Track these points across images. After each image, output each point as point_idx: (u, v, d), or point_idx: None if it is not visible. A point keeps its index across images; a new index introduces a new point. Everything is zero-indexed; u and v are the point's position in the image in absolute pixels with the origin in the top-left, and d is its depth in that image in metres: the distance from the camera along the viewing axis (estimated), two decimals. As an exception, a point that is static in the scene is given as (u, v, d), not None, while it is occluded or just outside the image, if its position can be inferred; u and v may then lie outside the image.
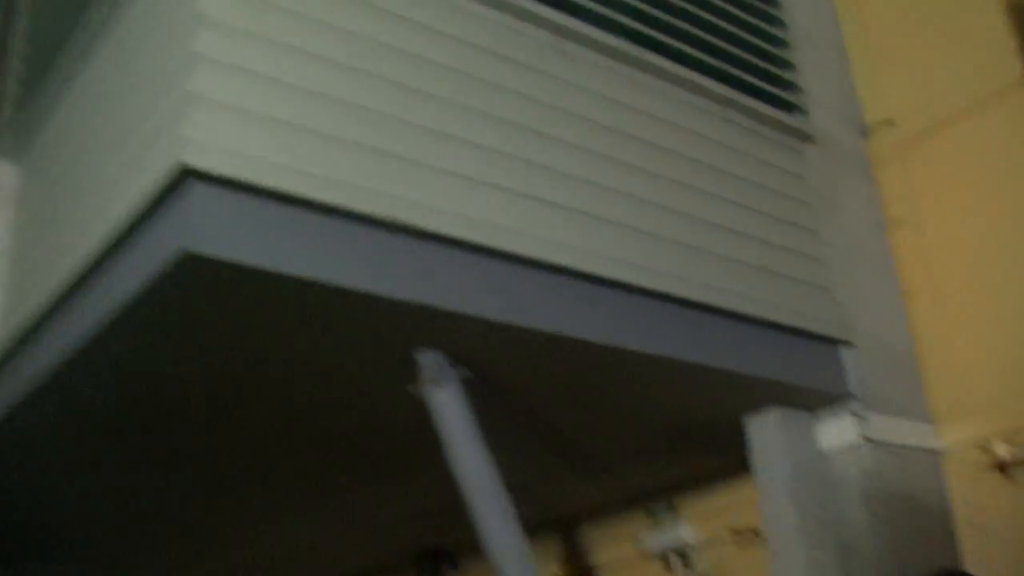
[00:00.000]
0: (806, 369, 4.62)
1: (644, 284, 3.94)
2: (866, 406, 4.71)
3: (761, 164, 4.76)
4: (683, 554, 6.06)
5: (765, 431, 4.70)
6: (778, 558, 4.54)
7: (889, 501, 4.55)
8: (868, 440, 4.63)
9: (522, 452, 5.10)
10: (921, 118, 5.35)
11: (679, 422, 4.95)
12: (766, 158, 4.80)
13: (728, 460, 4.88)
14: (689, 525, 6.03)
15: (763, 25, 5.10)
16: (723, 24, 4.85)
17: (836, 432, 4.73)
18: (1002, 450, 4.66)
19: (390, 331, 3.47)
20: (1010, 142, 5.00)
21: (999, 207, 4.99)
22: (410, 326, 3.45)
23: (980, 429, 4.80)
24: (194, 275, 2.50)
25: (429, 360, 3.78)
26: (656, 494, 6.30)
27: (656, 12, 4.55)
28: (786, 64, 5.15)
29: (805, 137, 5.06)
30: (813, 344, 4.67)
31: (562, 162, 3.86)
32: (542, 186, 3.72)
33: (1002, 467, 4.71)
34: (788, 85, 5.10)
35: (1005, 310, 4.89)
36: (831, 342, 4.72)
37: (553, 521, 6.86)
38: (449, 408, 3.79)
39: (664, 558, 6.17)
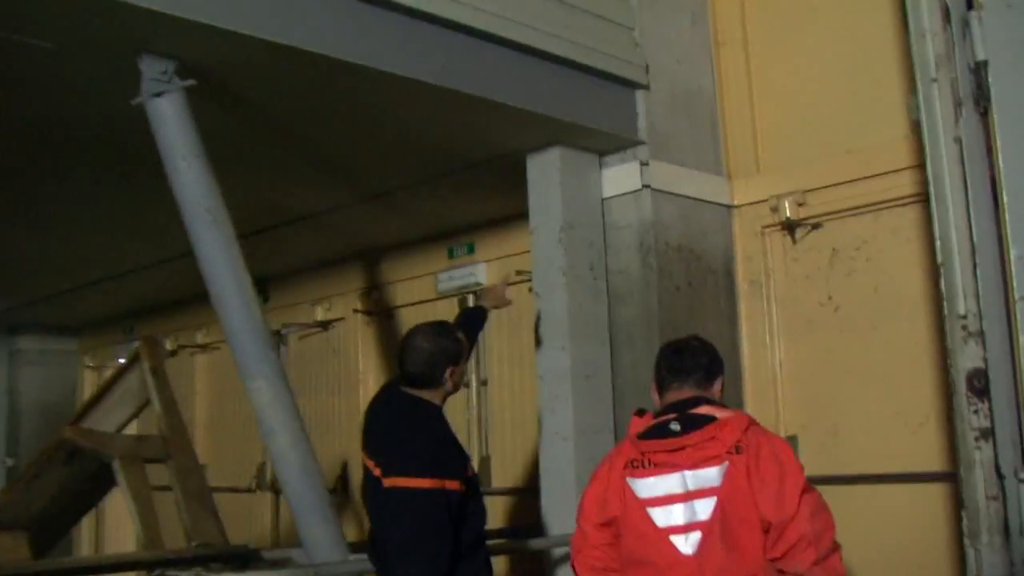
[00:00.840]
0: (595, 110, 4.27)
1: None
2: (655, 153, 4.42)
3: None
4: (477, 294, 5.88)
5: (543, 171, 4.40)
6: (542, 301, 4.33)
7: (667, 253, 4.35)
8: (652, 188, 4.35)
9: (284, 173, 4.72)
10: None
11: (461, 156, 4.61)
12: None
13: (523, 203, 4.56)
14: (485, 266, 5.81)
15: None
16: None
17: (620, 178, 4.47)
18: (790, 210, 4.44)
19: (116, 36, 3.15)
20: None
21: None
22: (137, 31, 3.12)
23: (772, 188, 4.55)
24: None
25: (151, 67, 3.31)
26: (456, 235, 6.03)
27: None
28: None
29: None
30: (605, 84, 4.31)
31: None
32: None
33: (789, 226, 4.52)
34: None
35: (812, 73, 4.58)
36: (625, 84, 4.36)
37: (358, 255, 6.58)
38: (169, 117, 3.35)
39: (460, 298, 5.98)
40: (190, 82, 3.38)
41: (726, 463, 2.55)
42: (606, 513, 2.68)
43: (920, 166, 4.01)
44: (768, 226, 4.63)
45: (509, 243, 5.67)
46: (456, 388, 3.21)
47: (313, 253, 6.63)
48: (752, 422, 2.67)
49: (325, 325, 6.97)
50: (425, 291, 6.23)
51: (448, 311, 6.04)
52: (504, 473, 5.71)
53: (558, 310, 4.26)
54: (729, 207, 4.74)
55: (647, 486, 2.62)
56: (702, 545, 2.51)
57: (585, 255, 4.36)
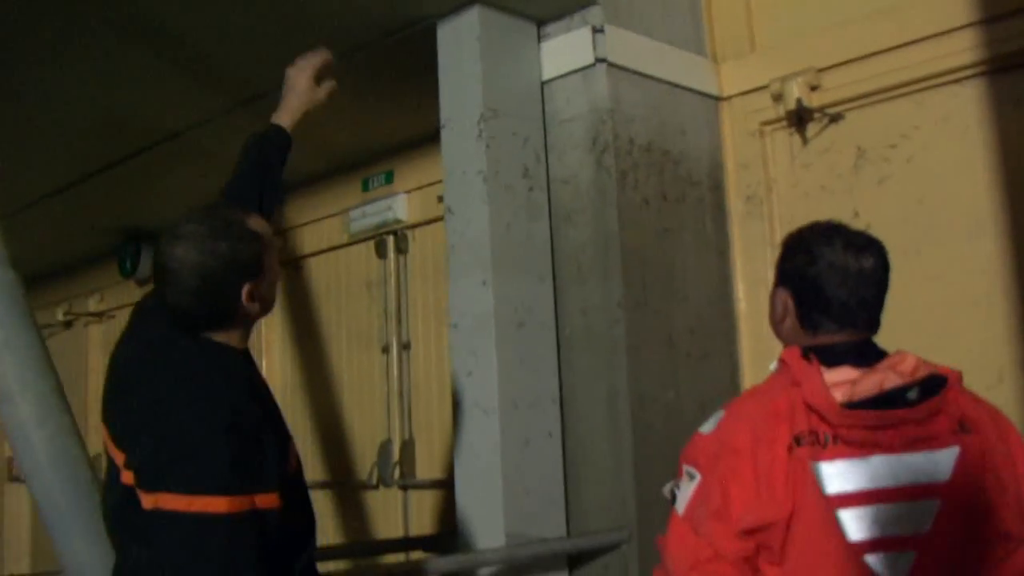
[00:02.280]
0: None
1: None
2: (613, 17, 3.20)
3: None
4: (396, 233, 4.65)
5: (456, 41, 3.18)
6: (454, 219, 3.10)
7: (632, 153, 3.16)
8: (609, 64, 3.13)
9: (135, 73, 3.50)
10: None
11: (358, 31, 3.36)
12: None
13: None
14: (405, 197, 4.57)
15: None
16: None
17: (565, 52, 3.26)
18: (799, 96, 3.21)
19: None
20: None
21: None
22: None
23: (773, 70, 3.35)
24: None
25: None
26: (372, 163, 4.79)
27: None
28: None
29: None
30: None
31: None
32: None
33: (798, 120, 3.30)
34: None
35: None
36: (570, -88, 3.11)
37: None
38: None
39: (377, 240, 4.74)
40: None
41: (956, 447, 1.66)
42: (763, 514, 1.63)
43: (986, 21, 2.83)
44: (769, 122, 3.43)
45: (436, 168, 4.41)
46: (265, 309, 1.96)
47: (196, 194, 5.34)
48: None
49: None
50: (335, 234, 4.98)
51: (364, 258, 4.81)
52: (431, 461, 4.48)
53: (476, 230, 3.05)
54: (716, 98, 3.54)
55: (837, 475, 1.64)
56: (915, 573, 1.62)
57: (516, 156, 3.14)
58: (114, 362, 1.95)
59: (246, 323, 1.92)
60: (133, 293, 6.34)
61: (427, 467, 4.51)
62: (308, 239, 5.19)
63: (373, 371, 4.80)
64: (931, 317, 2.99)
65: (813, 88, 3.27)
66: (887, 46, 3.12)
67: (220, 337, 1.88)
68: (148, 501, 1.71)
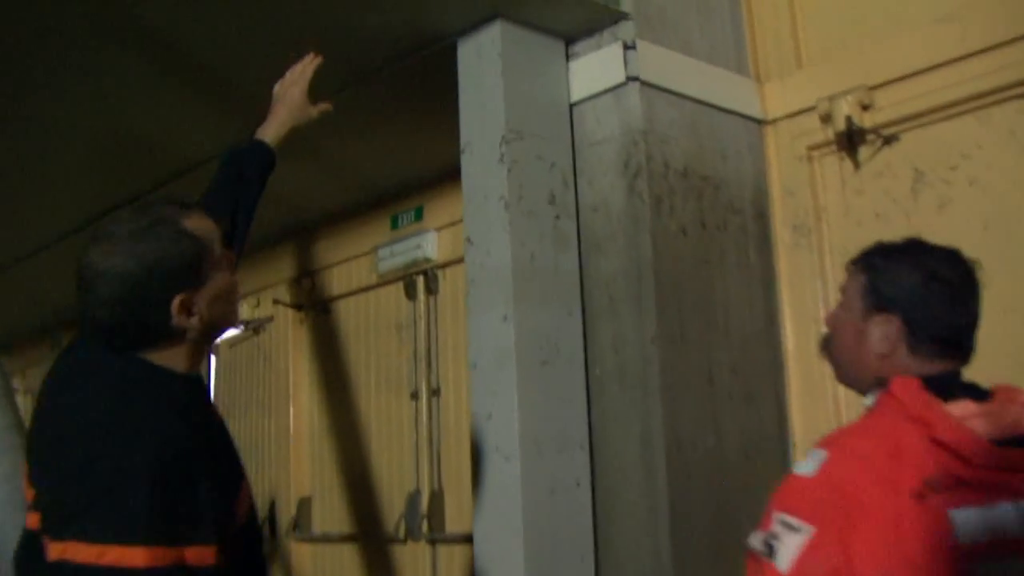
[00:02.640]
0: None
1: None
2: (646, 32, 2.99)
3: None
4: (426, 273, 4.44)
5: (478, 58, 2.99)
6: (474, 250, 2.88)
7: (667, 177, 2.95)
8: (642, 82, 2.90)
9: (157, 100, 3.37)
10: None
11: (381, 49, 3.19)
12: None
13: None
14: (435, 235, 4.37)
15: None
16: None
17: (594, 70, 3.05)
18: (850, 116, 2.96)
19: None
20: None
21: None
22: None
23: (821, 88, 3.09)
24: None
25: None
26: (401, 198, 4.61)
27: None
28: None
29: None
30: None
31: None
32: None
33: (848, 142, 3.04)
34: None
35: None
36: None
37: (286, 232, 5.15)
38: None
39: (406, 281, 4.54)
40: None
41: None
42: (893, 572, 1.39)
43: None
44: (817, 145, 3.17)
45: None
46: (214, 327, 1.71)
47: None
48: None
49: (251, 324, 5.53)
50: (364, 274, 4.78)
51: (394, 299, 4.61)
52: (461, 514, 4.22)
53: (497, 261, 2.83)
54: (760, 122, 3.29)
55: (969, 523, 1.45)
56: None
57: (541, 181, 2.92)
58: (42, 385, 1.72)
59: (193, 342, 1.66)
60: None
61: (456, 520, 4.24)
62: (337, 280, 5.00)
63: (402, 418, 4.58)
64: (1006, 353, 2.68)
65: (865, 107, 3.01)
66: (946, 58, 2.87)
67: (158, 358, 1.64)
68: (54, 551, 1.45)
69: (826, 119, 3.09)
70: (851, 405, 2.99)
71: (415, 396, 4.48)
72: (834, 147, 3.14)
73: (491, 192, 2.87)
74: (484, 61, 2.95)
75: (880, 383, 1.63)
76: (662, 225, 2.89)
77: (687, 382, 2.84)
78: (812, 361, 3.08)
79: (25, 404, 8.20)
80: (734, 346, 2.99)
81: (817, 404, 3.05)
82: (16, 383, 8.08)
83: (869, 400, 1.60)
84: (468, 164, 2.97)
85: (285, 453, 5.14)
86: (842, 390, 3.02)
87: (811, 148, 3.19)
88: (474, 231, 2.92)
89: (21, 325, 7.58)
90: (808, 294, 3.12)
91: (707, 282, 2.97)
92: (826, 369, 2.96)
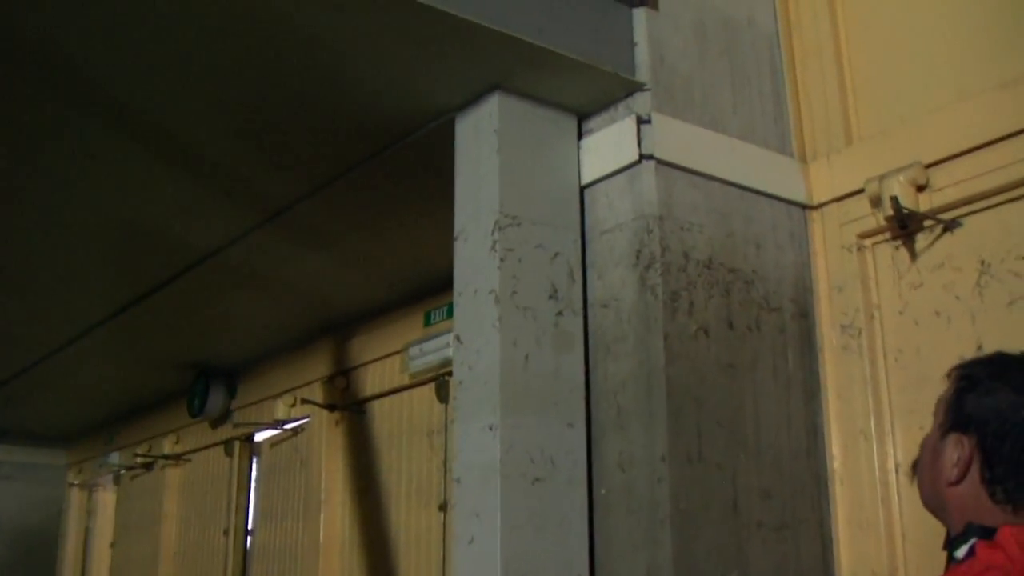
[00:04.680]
0: (566, 30, 2.62)
1: None
2: (664, 105, 2.71)
3: None
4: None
5: (474, 134, 2.73)
6: (462, 349, 2.61)
7: (685, 269, 2.67)
8: (658, 161, 2.62)
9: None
10: None
11: (379, 129, 3.00)
12: None
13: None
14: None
15: None
16: None
17: (606, 148, 2.78)
18: (904, 198, 2.60)
19: None
20: None
21: None
22: None
23: (872, 166, 2.75)
24: None
25: None
26: (435, 293, 4.39)
27: None
28: None
29: None
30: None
31: None
32: None
33: (902, 228, 2.68)
34: None
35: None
36: (614, -6, 2.71)
37: (323, 326, 4.98)
38: None
39: (438, 382, 4.28)
40: None
41: None
42: None
43: None
44: (869, 233, 2.83)
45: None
46: None
47: (259, 324, 5.05)
48: None
49: (287, 424, 5.33)
50: (396, 374, 4.55)
51: (426, 402, 4.36)
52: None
53: (486, 363, 2.53)
54: (803, 206, 2.94)
55: None
56: None
57: (541, 273, 2.64)
58: None
59: None
60: (207, 434, 6.07)
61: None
62: (371, 379, 4.78)
63: (431, 532, 4.27)
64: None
65: (920, 187, 2.66)
66: (1013, 129, 2.50)
67: None
68: None
69: (876, 202, 2.74)
70: (911, 537, 2.58)
71: (443, 508, 4.18)
72: (888, 235, 2.79)
73: (481, 284, 2.61)
74: (480, 138, 2.72)
75: (975, 530, 1.35)
76: (677, 324, 2.56)
77: (705, 508, 2.48)
78: (863, 484, 2.69)
79: (81, 497, 8.19)
80: (766, 466, 2.62)
81: (868, 536, 2.64)
82: (71, 477, 8.10)
83: (961, 552, 1.29)
84: (460, 254, 2.72)
85: (314, 566, 4.86)
86: (899, 518, 2.61)
87: (862, 236, 2.84)
88: (463, 328, 2.65)
89: (74, 421, 7.60)
90: (858, 405, 2.74)
91: (734, 391, 2.62)
92: (879, 493, 2.59)
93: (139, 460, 6.80)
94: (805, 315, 2.86)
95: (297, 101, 2.89)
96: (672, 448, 2.46)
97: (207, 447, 6.19)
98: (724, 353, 2.64)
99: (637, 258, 2.63)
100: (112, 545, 7.52)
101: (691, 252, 2.66)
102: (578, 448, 2.59)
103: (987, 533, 1.40)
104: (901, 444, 2.65)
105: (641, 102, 2.71)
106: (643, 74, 2.73)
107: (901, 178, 2.65)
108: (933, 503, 1.56)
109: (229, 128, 3.09)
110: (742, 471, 2.57)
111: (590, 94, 2.76)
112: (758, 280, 2.78)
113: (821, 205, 2.94)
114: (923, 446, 1.61)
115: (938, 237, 2.68)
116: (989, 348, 2.42)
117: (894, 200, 2.60)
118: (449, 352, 4.19)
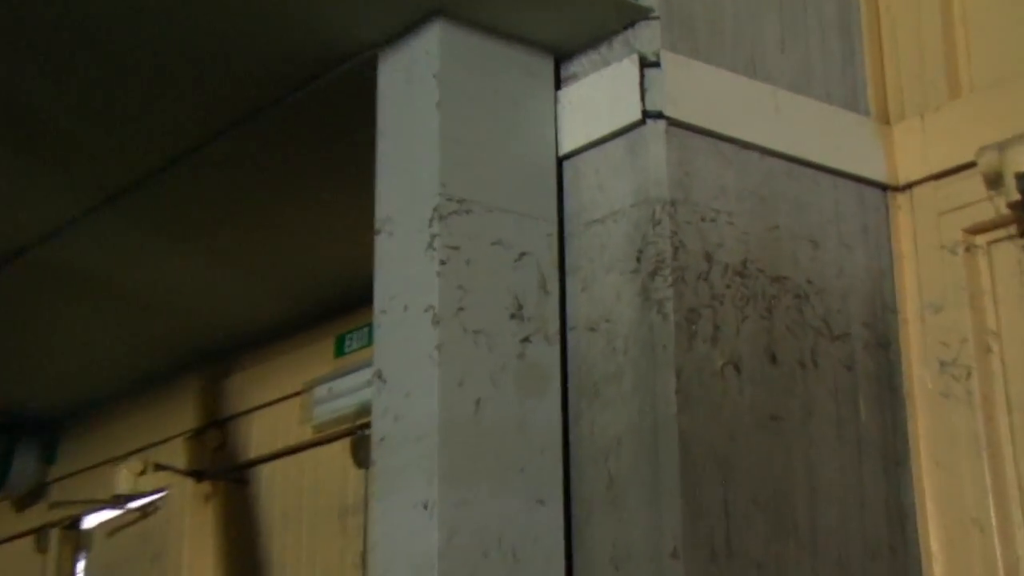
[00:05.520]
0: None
1: None
2: (681, 44, 2.89)
3: None
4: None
5: (406, 83, 2.91)
6: (385, 391, 2.76)
7: (708, 277, 2.78)
8: (669, 122, 2.80)
9: None
10: None
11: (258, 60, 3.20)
12: None
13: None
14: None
15: None
16: None
17: (596, 102, 2.93)
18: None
19: None
20: None
21: None
22: None
23: (988, 131, 2.96)
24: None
25: None
26: (351, 310, 4.57)
27: None
28: None
29: None
30: None
31: None
32: None
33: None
34: None
35: None
36: None
37: (192, 360, 5.18)
38: None
39: (355, 437, 4.48)
40: None
41: None
42: None
43: None
44: (983, 227, 3.00)
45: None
46: None
47: (93, 348, 5.22)
48: None
49: (133, 501, 5.49)
50: (292, 426, 4.72)
51: (337, 466, 4.53)
52: None
53: (419, 412, 2.70)
54: (884, 187, 3.14)
55: None
56: None
57: (499, 281, 2.83)
58: None
59: None
60: (9, 519, 6.22)
61: None
62: (257, 433, 4.97)
63: None
64: None
65: (1055, 163, 2.81)
66: None
67: None
68: None
69: (994, 181, 2.87)
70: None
71: (364, 622, 4.34)
72: (1012, 229, 2.93)
73: (412, 299, 2.77)
74: (414, 85, 2.86)
75: None
76: (696, 356, 2.71)
77: (738, 629, 2.61)
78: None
79: None
80: (828, 564, 2.76)
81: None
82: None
83: None
84: (383, 253, 2.87)
85: None
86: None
87: (972, 231, 3.00)
88: (387, 361, 2.80)
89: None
90: (967, 479, 2.87)
91: (778, 455, 2.77)
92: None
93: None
94: (885, 346, 3.02)
95: (148, 31, 3.00)
96: (688, 537, 2.58)
97: (9, 539, 6.33)
98: (764, 399, 2.78)
99: (638, 260, 2.77)
100: None
101: (716, 253, 2.80)
102: (552, 535, 2.72)
103: None
104: None
105: (646, 36, 2.86)
106: (652, -2, 2.88)
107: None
108: None
109: (48, 70, 3.21)
110: (795, 569, 2.68)
111: (572, 23, 2.92)
112: (815, 294, 2.93)
113: (910, 186, 3.12)
114: None
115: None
116: None
117: (1021, 179, 2.72)
118: (369, 395, 4.34)
